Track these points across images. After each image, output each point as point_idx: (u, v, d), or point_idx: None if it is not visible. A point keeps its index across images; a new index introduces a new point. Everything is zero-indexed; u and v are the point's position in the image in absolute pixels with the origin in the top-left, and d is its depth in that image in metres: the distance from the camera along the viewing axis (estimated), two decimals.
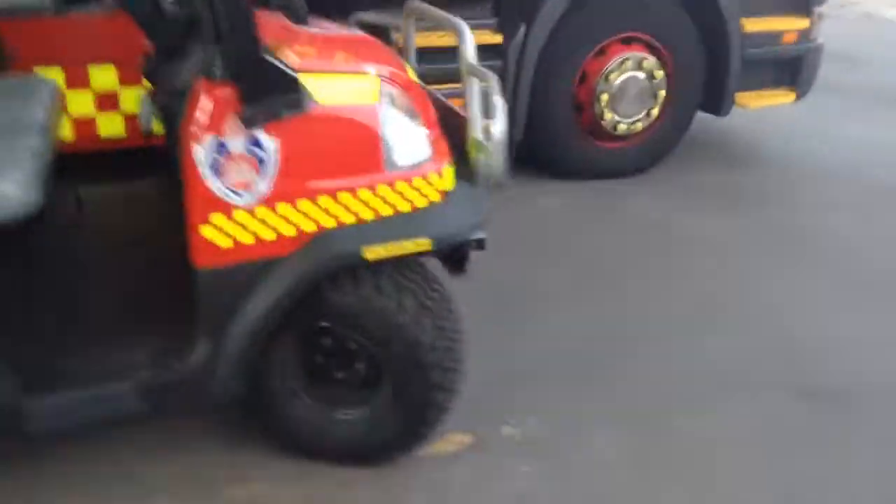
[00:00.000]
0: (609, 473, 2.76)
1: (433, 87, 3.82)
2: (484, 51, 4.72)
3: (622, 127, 5.26)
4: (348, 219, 2.35)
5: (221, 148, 2.20)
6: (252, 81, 2.15)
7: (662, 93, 5.27)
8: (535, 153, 5.31)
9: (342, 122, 2.33)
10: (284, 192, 2.28)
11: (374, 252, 2.36)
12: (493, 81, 2.56)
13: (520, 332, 3.56)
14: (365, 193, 2.36)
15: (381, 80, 2.47)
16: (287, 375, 2.61)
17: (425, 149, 2.49)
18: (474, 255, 3.76)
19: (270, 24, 2.69)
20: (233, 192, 2.23)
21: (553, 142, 5.23)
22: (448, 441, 2.88)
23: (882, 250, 4.43)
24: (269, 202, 2.27)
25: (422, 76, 4.50)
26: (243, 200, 2.25)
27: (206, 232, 2.24)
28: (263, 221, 2.28)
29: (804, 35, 5.53)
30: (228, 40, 2.10)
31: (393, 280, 2.46)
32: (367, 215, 2.37)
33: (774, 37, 5.47)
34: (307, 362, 2.64)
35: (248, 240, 2.28)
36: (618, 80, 5.14)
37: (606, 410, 3.07)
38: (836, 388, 3.23)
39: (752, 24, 5.35)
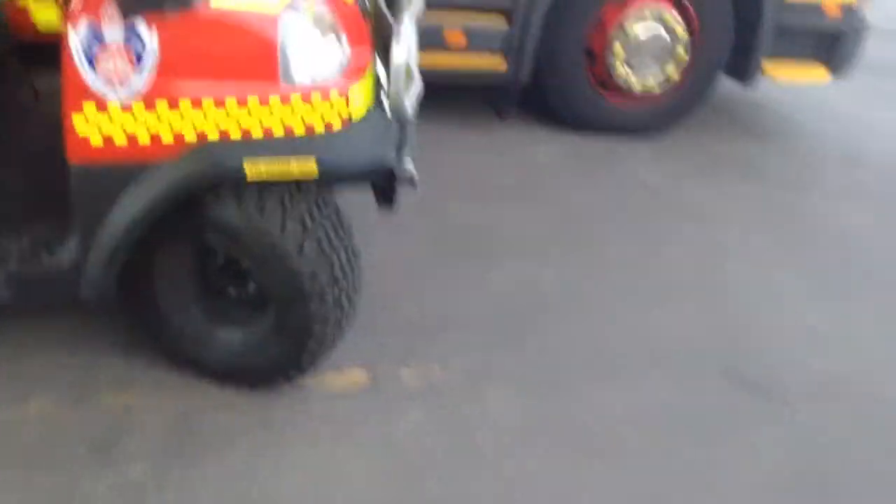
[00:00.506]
0: (496, 435, 2.63)
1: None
2: None
3: (635, 83, 4.99)
4: (233, 130, 2.22)
5: (97, 35, 2.09)
6: None
7: (683, 52, 4.97)
8: (542, 99, 5.09)
9: (235, 25, 2.20)
10: (164, 91, 2.16)
11: (255, 169, 2.23)
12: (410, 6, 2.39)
13: (463, 278, 3.43)
14: (255, 105, 2.22)
15: None
16: (177, 285, 2.53)
17: (333, 68, 2.34)
18: (445, 196, 3.64)
19: None
20: (107, 84, 2.13)
21: (560, 89, 5.00)
22: (343, 375, 2.79)
23: (884, 245, 4.14)
24: (146, 100, 2.15)
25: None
26: (117, 95, 2.14)
27: (79, 126, 2.15)
28: (139, 121, 2.17)
29: (848, 11, 5.13)
30: None
31: (280, 201, 2.34)
32: (255, 129, 2.24)
33: (815, 7, 5.09)
34: (201, 275, 2.55)
35: (121, 140, 2.18)
36: (635, 31, 4.86)
37: (517, 371, 2.93)
38: (769, 380, 3.03)
39: None
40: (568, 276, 3.55)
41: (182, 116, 2.18)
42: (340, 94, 2.32)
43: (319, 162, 2.27)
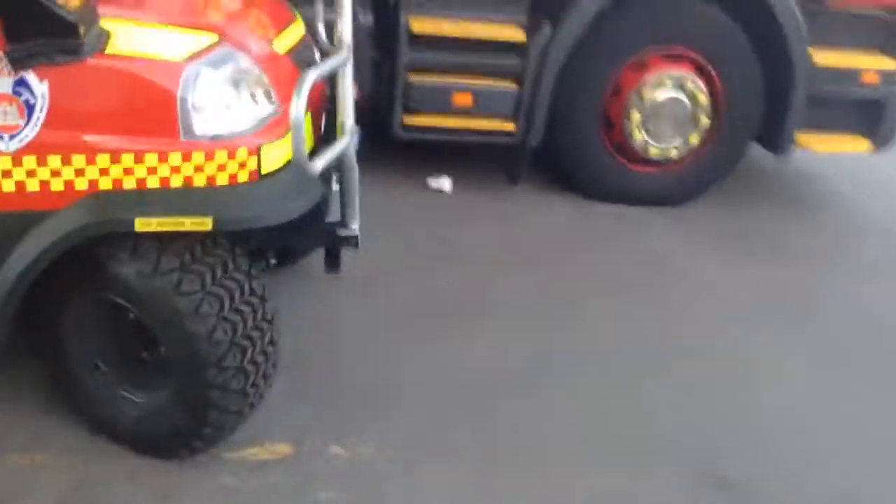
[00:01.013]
0: None
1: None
2: (504, 49, 4.43)
3: (654, 150, 4.76)
4: (127, 181, 2.13)
5: None
6: (19, 19, 1.96)
7: (705, 120, 4.73)
8: (555, 163, 4.91)
9: (132, 76, 2.11)
10: (55, 142, 2.09)
11: (146, 223, 2.12)
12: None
13: (429, 348, 3.23)
14: (151, 158, 2.13)
15: (222, 41, 2.25)
16: (85, 342, 2.43)
17: (244, 122, 2.23)
18: (434, 260, 3.45)
19: None
20: None
21: (574, 154, 4.80)
22: (265, 448, 2.62)
23: None
24: (37, 150, 2.08)
25: (414, 64, 4.28)
26: (5, 145, 2.07)
27: None
28: (28, 171, 2.10)
29: (888, 77, 4.81)
30: None
31: (178, 257, 2.22)
32: (151, 182, 2.14)
33: (851, 75, 4.80)
34: (110, 333, 2.44)
35: (10, 188, 2.11)
36: (653, 97, 4.65)
37: (461, 450, 2.70)
38: (751, 488, 2.70)
39: (825, 57, 4.71)
40: (546, 351, 3.31)
41: (73, 166, 2.10)
42: (250, 152, 2.20)
43: (216, 217, 2.14)
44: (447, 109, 4.52)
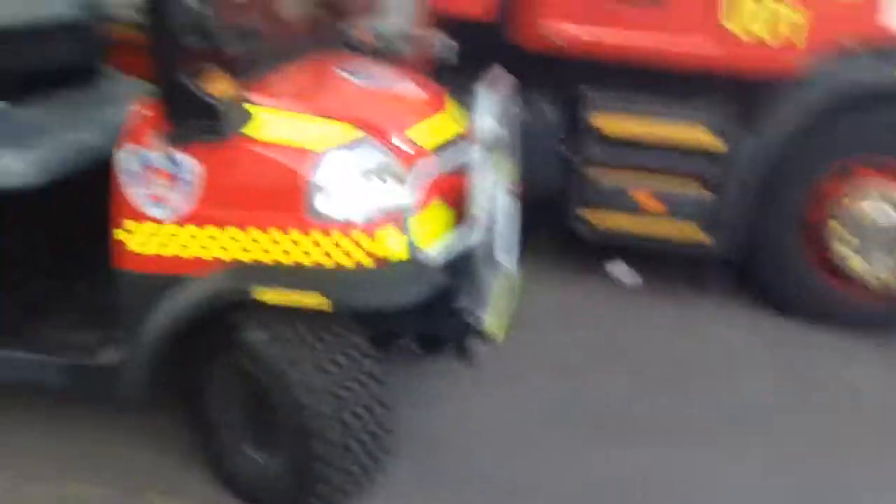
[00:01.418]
0: None
1: None
2: (693, 152, 4.32)
3: (859, 269, 4.35)
4: (256, 256, 2.30)
5: (142, 159, 2.31)
6: (173, 103, 2.23)
7: None
8: (747, 270, 4.62)
9: (268, 159, 2.31)
10: (196, 214, 2.32)
11: (265, 294, 2.28)
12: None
13: (570, 457, 3.10)
14: (280, 236, 2.30)
15: (360, 133, 2.41)
16: (221, 399, 2.60)
17: (369, 210, 2.34)
18: (593, 366, 3.34)
19: (314, 67, 2.76)
20: (150, 203, 2.32)
21: (769, 267, 4.50)
22: None
23: None
24: (180, 221, 2.32)
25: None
26: (161, 213, 2.33)
27: (120, 235, 2.35)
28: (174, 238, 2.33)
29: None
30: (157, 63, 2.21)
31: (297, 332, 2.35)
32: (278, 257, 2.30)
33: None
34: (244, 395, 2.61)
35: (156, 252, 2.35)
36: (857, 211, 4.28)
37: None
38: None
39: None
40: (694, 474, 3.08)
41: (214, 239, 2.31)
42: (369, 235, 2.31)
43: (333, 298, 2.25)
44: (633, 209, 4.44)
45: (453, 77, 3.82)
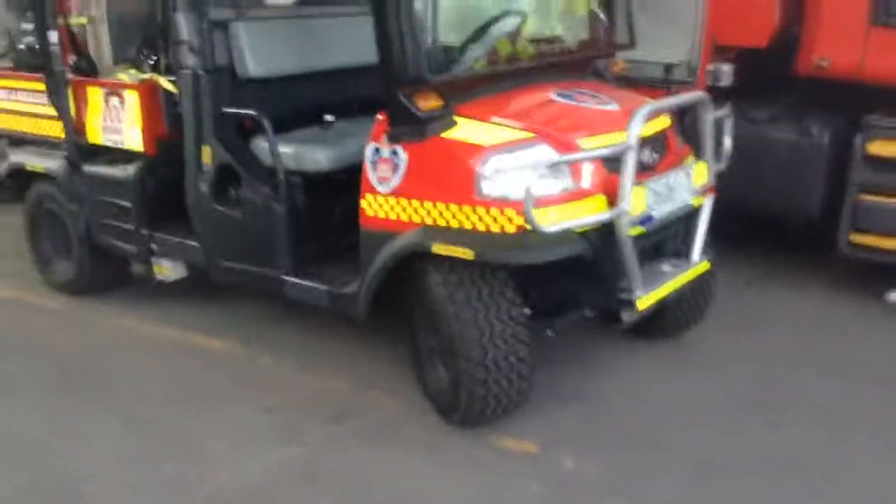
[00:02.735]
0: None
1: None
2: None
3: None
4: (439, 221, 3.25)
5: (377, 151, 3.40)
6: (394, 114, 3.29)
7: None
8: None
9: (451, 152, 3.25)
10: (405, 190, 3.33)
11: (437, 247, 3.22)
12: None
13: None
14: (454, 207, 3.22)
15: (532, 137, 3.25)
16: (421, 327, 3.57)
17: (519, 190, 3.14)
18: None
19: (531, 90, 3.62)
20: (379, 181, 3.41)
21: None
22: (515, 441, 3.43)
23: None
24: (395, 194, 3.36)
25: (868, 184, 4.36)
26: (384, 189, 3.40)
27: (364, 206, 3.47)
28: (391, 207, 3.38)
29: None
30: (385, 86, 3.28)
31: (460, 277, 3.25)
32: (452, 223, 3.23)
33: None
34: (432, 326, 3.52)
35: (383, 216, 3.42)
36: None
37: None
38: None
39: None
40: None
41: (412, 207, 3.31)
42: (517, 210, 3.11)
43: (475, 251, 3.12)
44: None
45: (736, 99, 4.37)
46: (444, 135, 3.28)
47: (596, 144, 3.30)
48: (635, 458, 3.34)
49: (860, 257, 4.64)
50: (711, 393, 3.82)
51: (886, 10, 4.33)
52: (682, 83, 4.87)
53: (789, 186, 4.75)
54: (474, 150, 3.22)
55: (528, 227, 3.08)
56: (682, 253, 3.74)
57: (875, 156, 4.48)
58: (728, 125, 3.96)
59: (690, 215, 3.70)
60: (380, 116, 3.41)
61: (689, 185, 3.60)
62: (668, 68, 4.94)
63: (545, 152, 3.23)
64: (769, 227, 5.32)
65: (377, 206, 3.43)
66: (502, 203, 3.15)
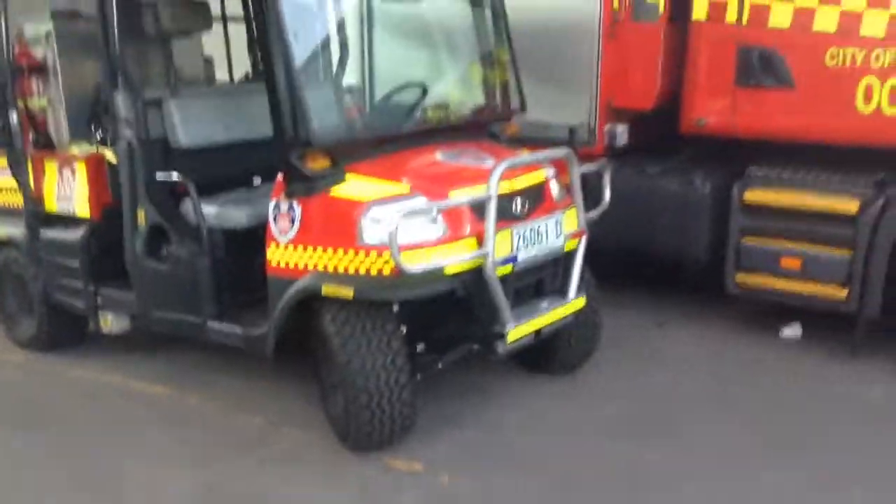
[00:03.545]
0: None
1: None
2: (835, 218, 4.69)
3: None
4: (329, 266, 3.73)
5: (277, 206, 3.90)
6: (288, 173, 3.80)
7: None
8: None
9: (337, 206, 3.74)
10: (299, 239, 3.81)
11: (326, 288, 3.69)
12: None
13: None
14: (340, 253, 3.70)
15: (412, 191, 3.74)
16: (320, 360, 3.98)
17: (395, 238, 3.60)
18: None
19: (420, 151, 4.12)
20: (279, 232, 3.89)
21: None
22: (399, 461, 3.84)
23: None
24: (293, 244, 3.84)
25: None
26: (283, 239, 3.88)
27: (268, 253, 3.95)
28: (289, 255, 3.86)
29: None
30: (279, 152, 3.79)
31: (346, 314, 3.71)
32: (340, 267, 3.70)
33: None
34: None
35: (282, 264, 3.90)
36: None
37: None
38: None
39: None
40: None
41: (307, 255, 3.79)
42: (392, 255, 3.56)
43: (356, 290, 3.58)
44: (777, 271, 4.89)
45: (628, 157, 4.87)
46: (332, 190, 3.77)
47: (464, 196, 3.78)
48: (509, 477, 3.73)
49: (747, 296, 5.07)
50: (594, 421, 4.22)
51: (747, 73, 4.85)
52: (582, 143, 5.40)
53: (679, 233, 5.21)
54: (357, 203, 3.71)
55: (407, 268, 3.54)
56: (559, 291, 4.19)
57: (751, 203, 4.94)
58: (605, 178, 4.46)
59: (564, 257, 4.16)
60: (279, 176, 3.91)
61: (560, 231, 4.08)
62: (572, 130, 5.45)
63: (418, 203, 3.71)
64: (672, 270, 5.77)
65: (279, 255, 3.91)
66: (380, 248, 3.62)
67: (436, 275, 3.63)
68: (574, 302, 4.17)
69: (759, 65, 4.81)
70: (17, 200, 5.21)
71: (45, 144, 5.30)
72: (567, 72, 5.49)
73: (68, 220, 4.99)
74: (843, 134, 4.65)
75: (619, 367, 4.79)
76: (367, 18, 4.79)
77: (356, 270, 3.66)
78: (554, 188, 4.28)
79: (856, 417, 4.22)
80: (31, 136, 5.30)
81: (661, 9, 5.08)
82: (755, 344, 5.11)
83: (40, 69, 5.24)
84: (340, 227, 3.72)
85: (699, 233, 5.17)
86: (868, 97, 4.52)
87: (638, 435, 4.08)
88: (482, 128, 4.69)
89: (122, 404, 4.57)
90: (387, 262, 3.59)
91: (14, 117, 5.03)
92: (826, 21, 4.59)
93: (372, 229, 3.66)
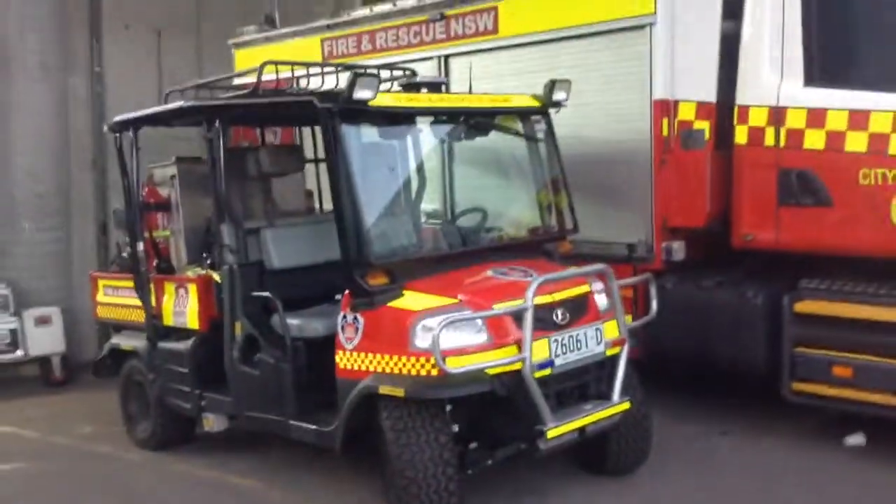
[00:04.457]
0: None
1: None
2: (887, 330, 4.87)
3: None
4: (386, 369, 4.25)
5: (344, 318, 4.49)
6: (352, 289, 4.40)
7: None
8: None
9: (393, 316, 4.30)
10: (363, 346, 4.37)
11: (383, 389, 4.20)
12: None
13: None
14: (395, 357, 4.23)
15: (459, 303, 4.27)
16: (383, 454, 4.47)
17: (446, 344, 4.09)
18: None
19: (474, 269, 4.66)
20: (346, 340, 4.47)
21: None
22: None
23: None
24: (357, 349, 4.40)
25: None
26: (349, 346, 4.45)
27: (337, 358, 4.52)
28: (356, 359, 4.41)
29: None
30: (344, 271, 4.41)
31: (401, 413, 4.18)
32: (395, 370, 4.22)
33: None
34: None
35: (350, 367, 4.45)
36: None
37: None
38: None
39: None
40: None
41: (369, 360, 4.33)
42: (439, 360, 4.04)
43: (405, 389, 4.08)
44: (831, 380, 5.05)
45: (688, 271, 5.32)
46: (391, 304, 4.34)
47: (504, 307, 4.26)
48: None
49: (803, 404, 5.22)
50: None
51: (789, 193, 5.18)
52: (641, 259, 5.80)
53: (735, 343, 5.45)
54: (410, 313, 4.25)
55: (453, 370, 4.02)
56: (603, 395, 4.54)
57: (803, 313, 5.16)
58: (651, 289, 4.85)
59: (609, 363, 4.53)
60: (347, 292, 4.51)
61: (600, 338, 4.47)
62: (631, 247, 5.87)
63: (462, 313, 4.21)
64: (734, 379, 5.95)
65: (346, 360, 4.46)
66: (427, 353, 4.12)
67: (477, 376, 4.09)
68: (618, 405, 4.49)
69: (798, 185, 5.14)
70: (140, 317, 6.03)
71: (167, 269, 6.15)
72: (626, 195, 5.95)
73: (181, 333, 5.75)
74: (880, 248, 4.87)
75: (678, 473, 5.00)
76: (420, 153, 5.43)
77: (408, 372, 4.16)
78: (600, 300, 4.69)
79: None
80: (154, 261, 6.17)
81: (707, 136, 5.52)
82: (818, 451, 5.21)
83: (166, 206, 6.15)
84: (395, 334, 4.26)
85: (754, 343, 5.39)
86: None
87: None
88: (537, 247, 5.19)
89: (214, 496, 5.15)
90: (434, 365, 4.08)
91: (140, 247, 5.91)
92: (857, 142, 4.91)
93: (421, 336, 4.17)
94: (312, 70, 5.66)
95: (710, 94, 5.55)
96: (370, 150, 4.68)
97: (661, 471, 4.98)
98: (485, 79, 6.12)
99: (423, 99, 4.96)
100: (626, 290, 5.36)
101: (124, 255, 6.63)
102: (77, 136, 9.17)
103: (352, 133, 4.46)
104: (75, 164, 9.11)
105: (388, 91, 5.03)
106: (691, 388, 6.04)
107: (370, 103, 4.37)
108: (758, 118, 5.33)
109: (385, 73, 5.27)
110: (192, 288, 5.60)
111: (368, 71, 4.59)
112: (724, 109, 5.51)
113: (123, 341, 6.27)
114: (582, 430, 4.39)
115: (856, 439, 5.27)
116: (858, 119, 4.91)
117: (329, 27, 7.85)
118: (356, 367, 4.40)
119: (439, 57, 6.84)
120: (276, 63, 5.23)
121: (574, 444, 4.54)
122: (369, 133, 4.66)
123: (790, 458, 5.18)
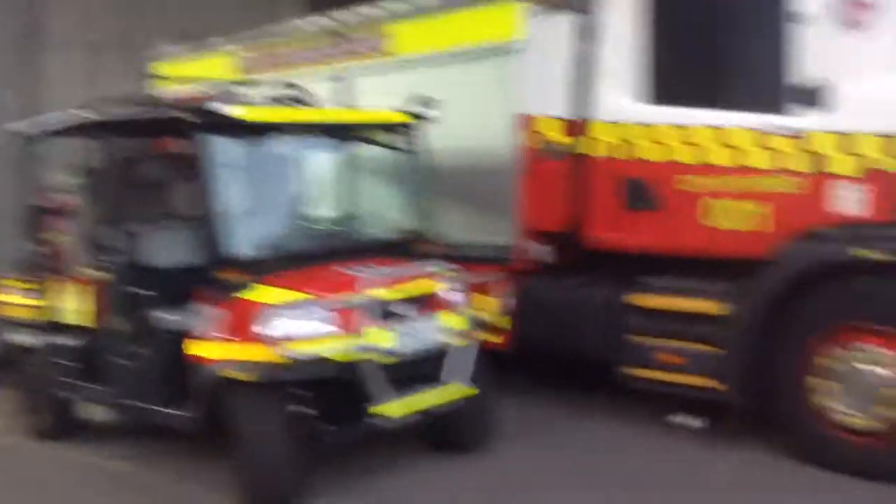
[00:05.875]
0: None
1: None
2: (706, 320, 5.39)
3: (852, 421, 4.82)
4: (234, 355, 4.65)
5: (199, 309, 4.90)
6: (209, 284, 4.82)
7: None
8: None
9: (244, 308, 4.71)
10: (215, 336, 4.77)
11: (231, 374, 4.61)
12: None
13: None
14: (242, 344, 4.64)
15: (307, 296, 4.70)
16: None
17: (286, 331, 4.53)
18: None
19: (331, 266, 5.09)
20: (199, 330, 4.88)
21: (780, 416, 5.18)
22: None
23: None
24: (209, 339, 4.80)
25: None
26: (202, 335, 4.85)
27: (191, 347, 4.91)
28: (206, 348, 4.81)
29: None
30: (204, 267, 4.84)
31: (249, 394, 4.59)
32: (241, 356, 4.63)
33: None
34: None
35: (203, 354, 4.85)
36: (845, 368, 4.86)
37: None
38: None
39: None
40: None
41: (220, 348, 4.73)
42: (285, 347, 4.48)
43: (255, 375, 4.51)
44: (655, 365, 5.58)
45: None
46: (241, 295, 4.75)
47: (352, 300, 4.71)
48: None
49: (637, 388, 5.72)
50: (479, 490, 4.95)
51: (629, 199, 5.71)
52: (508, 260, 6.30)
53: (581, 335, 5.96)
54: (259, 305, 4.68)
55: (294, 356, 4.46)
56: (446, 380, 4.99)
57: (632, 305, 5.68)
58: (503, 289, 5.34)
59: (452, 352, 4.99)
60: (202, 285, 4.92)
61: (437, 328, 4.95)
62: (499, 249, 6.36)
63: (306, 304, 4.65)
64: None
65: (199, 348, 4.81)
66: (275, 340, 4.55)
67: (317, 361, 4.53)
68: (457, 389, 4.95)
69: (635, 192, 5.67)
70: (37, 315, 6.37)
71: (63, 270, 6.52)
72: (495, 201, 6.44)
73: (75, 330, 6.10)
74: (695, 247, 5.42)
75: (519, 450, 5.50)
76: (286, 162, 5.88)
77: (256, 358, 4.58)
78: (446, 296, 5.15)
79: None
80: (53, 264, 6.54)
81: (563, 148, 6.03)
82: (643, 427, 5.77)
83: (60, 211, 6.54)
84: (245, 323, 4.66)
85: (596, 333, 5.87)
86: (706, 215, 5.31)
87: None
88: (401, 247, 5.63)
89: (86, 479, 5.60)
90: (279, 351, 4.51)
91: (38, 249, 6.27)
92: (680, 153, 5.48)
93: (268, 324, 4.60)
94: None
95: (565, 111, 6.06)
96: (233, 159, 5.08)
97: (505, 448, 5.45)
98: (379, 94, 6.57)
99: (285, 113, 5.41)
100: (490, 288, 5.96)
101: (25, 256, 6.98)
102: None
103: (215, 143, 4.90)
104: None
105: (254, 106, 5.45)
106: (559, 379, 6.55)
107: (232, 116, 4.83)
108: (605, 132, 5.86)
109: (266, 90, 5.76)
110: (83, 287, 5.97)
111: (232, 89, 5.06)
112: (578, 124, 6.02)
113: (20, 338, 6.61)
114: (427, 412, 4.84)
115: (682, 419, 5.76)
116: (682, 133, 5.47)
117: (244, 42, 8.30)
118: (208, 356, 4.77)
119: (338, 74, 7.32)
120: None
121: (423, 425, 5.02)
122: (232, 144, 5.06)
123: (622, 437, 5.74)
